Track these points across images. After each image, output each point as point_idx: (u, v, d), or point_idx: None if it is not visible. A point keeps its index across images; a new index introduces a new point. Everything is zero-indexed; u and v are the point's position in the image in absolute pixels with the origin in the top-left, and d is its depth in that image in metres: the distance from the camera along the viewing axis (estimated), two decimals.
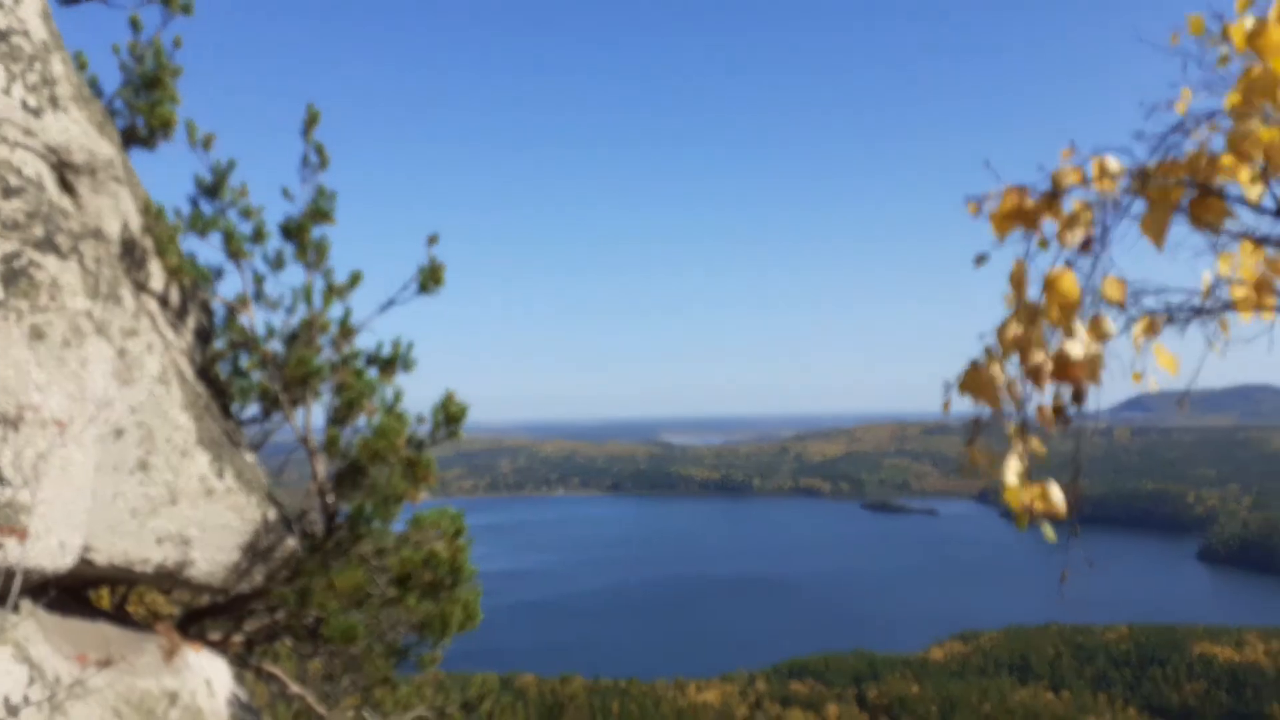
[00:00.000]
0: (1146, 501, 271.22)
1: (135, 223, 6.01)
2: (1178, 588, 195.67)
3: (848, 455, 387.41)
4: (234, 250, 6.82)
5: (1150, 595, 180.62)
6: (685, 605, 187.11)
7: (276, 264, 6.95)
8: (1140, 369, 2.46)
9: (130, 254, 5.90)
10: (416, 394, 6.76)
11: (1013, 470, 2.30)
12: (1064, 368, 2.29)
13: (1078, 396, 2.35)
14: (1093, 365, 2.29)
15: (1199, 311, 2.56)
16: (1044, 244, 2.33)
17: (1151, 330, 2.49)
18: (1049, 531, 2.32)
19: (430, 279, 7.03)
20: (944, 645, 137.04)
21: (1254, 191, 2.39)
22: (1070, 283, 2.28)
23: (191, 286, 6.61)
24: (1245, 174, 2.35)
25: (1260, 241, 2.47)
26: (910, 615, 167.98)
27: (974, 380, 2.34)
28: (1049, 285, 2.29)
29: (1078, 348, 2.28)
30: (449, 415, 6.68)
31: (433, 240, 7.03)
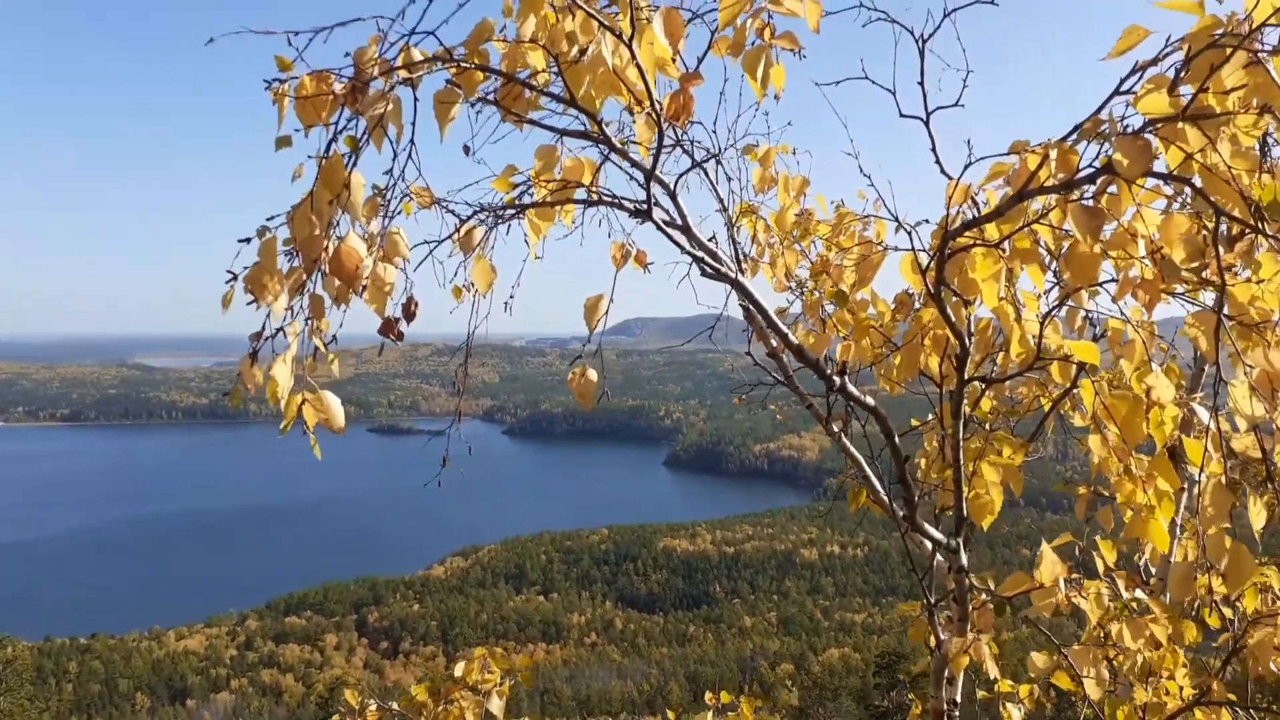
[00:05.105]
0: (627, 416, 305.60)
1: None
2: (649, 491, 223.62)
3: (356, 378, 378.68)
4: None
5: (627, 499, 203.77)
6: (165, 547, 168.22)
7: None
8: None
9: None
10: None
11: (282, 372, 2.20)
12: (339, 265, 2.17)
13: (408, 313, 2.37)
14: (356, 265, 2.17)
15: (519, 211, 2.56)
16: (351, 142, 2.18)
17: (466, 244, 2.55)
18: (316, 448, 2.30)
19: None
20: (445, 563, 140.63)
21: (543, 79, 2.35)
22: (335, 175, 2.12)
23: None
24: (540, 59, 2.32)
25: (560, 134, 2.48)
26: (416, 536, 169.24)
27: (256, 279, 2.17)
28: (324, 176, 2.13)
29: (354, 243, 2.17)
30: None
31: None
